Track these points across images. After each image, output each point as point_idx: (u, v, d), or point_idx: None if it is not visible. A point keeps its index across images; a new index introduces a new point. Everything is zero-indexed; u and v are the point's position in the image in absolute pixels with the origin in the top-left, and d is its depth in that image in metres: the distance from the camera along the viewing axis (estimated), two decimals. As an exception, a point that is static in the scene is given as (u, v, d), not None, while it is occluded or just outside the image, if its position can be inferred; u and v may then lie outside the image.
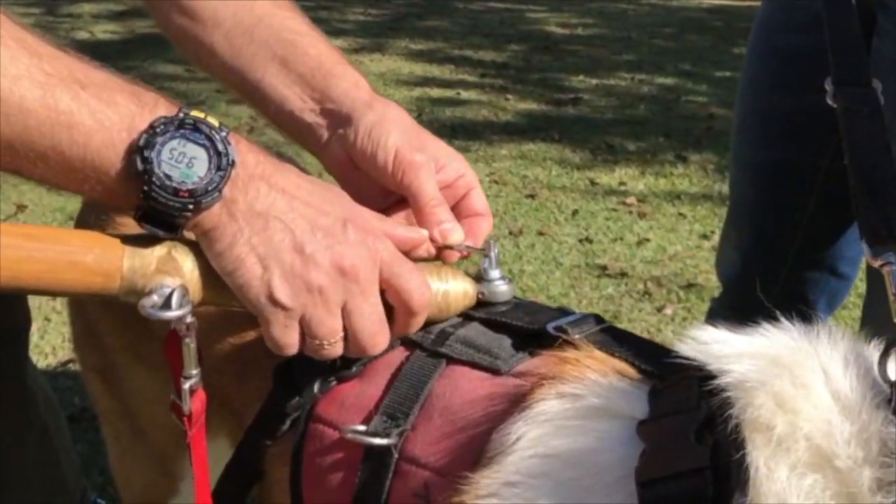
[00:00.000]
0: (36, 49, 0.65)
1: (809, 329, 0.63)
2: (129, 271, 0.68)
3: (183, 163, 0.66)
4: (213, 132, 0.67)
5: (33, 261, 0.65)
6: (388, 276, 0.74)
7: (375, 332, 0.74)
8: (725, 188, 1.75)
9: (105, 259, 0.67)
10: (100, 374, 1.13)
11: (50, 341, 2.43)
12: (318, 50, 0.89)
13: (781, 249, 1.36)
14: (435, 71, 5.63)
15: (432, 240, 0.81)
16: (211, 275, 0.71)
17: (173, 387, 0.75)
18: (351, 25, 6.82)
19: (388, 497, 0.72)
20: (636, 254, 3.08)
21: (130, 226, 0.73)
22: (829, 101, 0.85)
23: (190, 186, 0.66)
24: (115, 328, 1.06)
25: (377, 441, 0.72)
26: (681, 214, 3.43)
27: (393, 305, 0.75)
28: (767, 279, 1.34)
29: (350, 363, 0.80)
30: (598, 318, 0.78)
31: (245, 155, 0.70)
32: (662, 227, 3.31)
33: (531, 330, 0.77)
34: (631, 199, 3.57)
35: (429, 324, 0.80)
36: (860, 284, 2.18)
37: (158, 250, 0.69)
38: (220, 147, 0.67)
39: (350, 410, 0.77)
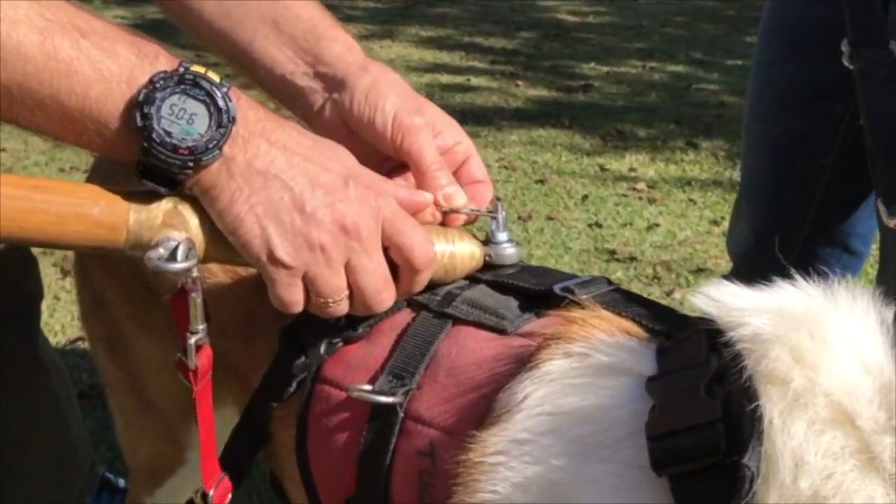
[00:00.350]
0: None
1: (828, 286, 0.61)
2: (136, 224, 0.67)
3: (183, 119, 0.65)
4: (214, 88, 0.66)
5: (40, 212, 0.65)
6: (391, 234, 0.73)
7: (381, 289, 0.74)
8: (736, 175, 1.74)
9: (111, 212, 0.67)
10: (106, 344, 1.13)
11: (59, 319, 2.44)
12: (310, 13, 0.86)
13: (794, 224, 1.35)
14: (445, 57, 5.62)
15: (436, 204, 0.81)
16: (216, 231, 0.70)
17: (180, 346, 0.75)
18: (361, 12, 6.80)
19: (393, 456, 0.72)
20: (646, 239, 3.07)
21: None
22: (846, 63, 0.84)
23: (190, 144, 0.65)
24: (120, 297, 1.06)
25: (383, 399, 0.72)
26: (691, 200, 3.41)
27: (397, 263, 0.75)
28: (779, 255, 1.33)
29: (356, 324, 0.79)
30: (607, 281, 0.78)
31: (246, 111, 0.69)
32: (672, 213, 3.30)
33: (538, 291, 0.77)
34: (641, 185, 3.55)
35: (435, 286, 0.80)
36: (871, 271, 2.18)
37: (165, 204, 0.69)
38: (221, 103, 0.66)
39: (356, 371, 0.77)
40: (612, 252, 2.95)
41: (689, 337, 0.65)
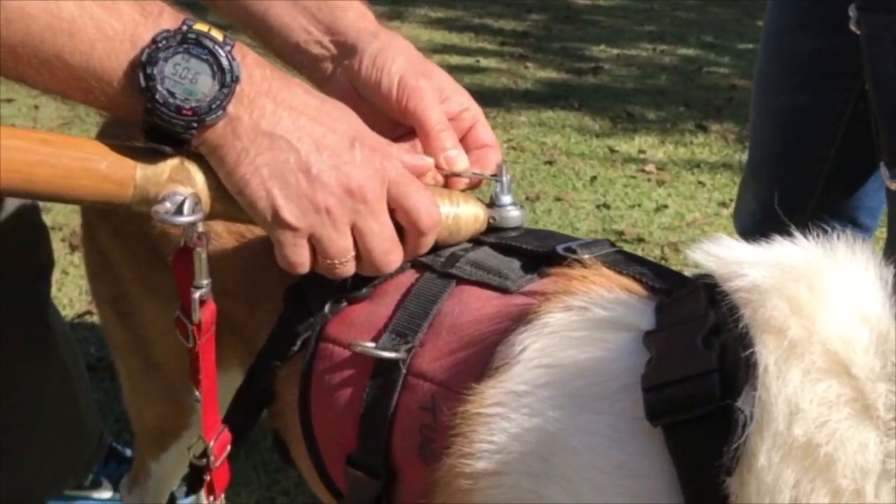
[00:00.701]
0: None
1: (827, 241, 0.61)
2: (142, 179, 0.68)
3: (186, 79, 0.65)
4: (217, 47, 0.66)
5: (47, 165, 0.65)
6: (396, 196, 0.74)
7: (388, 251, 0.74)
8: (746, 158, 1.74)
9: (118, 167, 0.68)
10: (112, 306, 1.14)
11: (67, 293, 2.46)
12: None
13: (801, 197, 1.35)
14: (454, 39, 5.60)
15: (438, 167, 0.81)
16: (222, 188, 0.71)
17: (179, 305, 0.75)
18: (371, -7, 6.77)
19: (395, 411, 0.73)
20: (654, 220, 3.06)
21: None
22: (853, 28, 0.83)
23: (193, 104, 0.65)
24: (127, 259, 1.06)
25: (385, 355, 0.73)
26: (700, 182, 3.40)
27: (402, 225, 0.75)
28: (787, 229, 1.33)
29: (361, 285, 0.80)
30: (610, 243, 0.78)
31: (251, 69, 0.69)
32: (681, 195, 3.29)
33: (541, 252, 0.77)
34: (650, 167, 3.54)
35: (439, 247, 0.80)
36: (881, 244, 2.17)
37: (171, 160, 0.69)
38: (225, 62, 0.66)
39: (360, 329, 0.78)
40: (620, 233, 2.94)
41: (688, 293, 0.65)
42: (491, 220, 0.82)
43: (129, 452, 1.69)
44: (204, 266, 0.72)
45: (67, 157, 0.66)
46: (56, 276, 2.49)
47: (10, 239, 1.29)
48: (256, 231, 0.90)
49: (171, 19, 0.67)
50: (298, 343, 0.81)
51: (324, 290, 0.81)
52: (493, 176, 0.83)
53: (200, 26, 0.67)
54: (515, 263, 0.78)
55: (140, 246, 1.02)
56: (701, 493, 0.56)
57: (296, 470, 0.93)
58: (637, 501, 0.58)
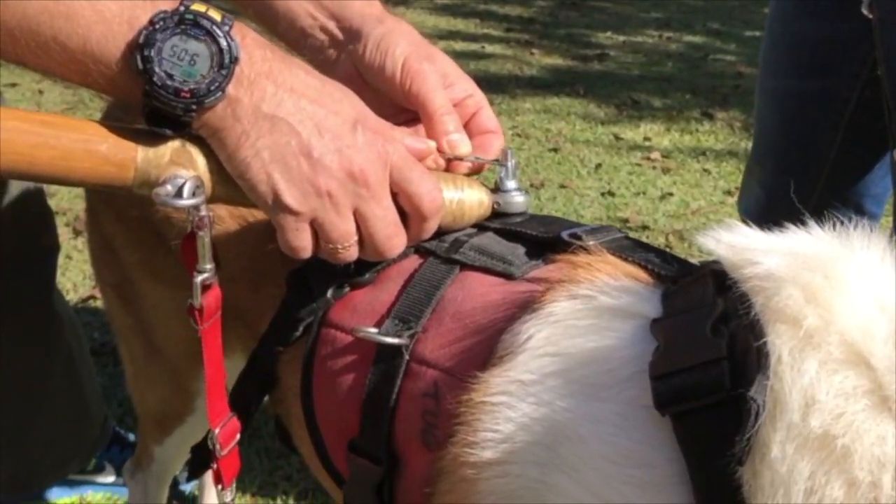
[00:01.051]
0: None
1: (842, 230, 0.60)
2: (143, 162, 0.67)
3: (184, 61, 0.65)
4: (215, 27, 0.65)
5: (48, 147, 0.65)
6: (399, 180, 0.73)
7: (391, 235, 0.73)
8: (751, 145, 1.74)
9: (119, 149, 0.67)
10: (116, 291, 1.13)
11: (71, 278, 2.45)
12: None
13: (807, 184, 1.34)
14: (460, 25, 5.58)
15: (440, 151, 0.80)
16: (224, 171, 0.70)
17: (190, 292, 0.75)
18: (376, -21, 6.74)
19: (397, 397, 0.72)
20: (659, 208, 3.05)
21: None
22: (864, 11, 0.82)
23: (192, 86, 0.65)
24: (130, 243, 1.06)
25: (388, 340, 0.72)
26: (705, 170, 3.39)
27: (405, 210, 0.75)
28: (791, 216, 1.32)
29: (364, 270, 0.79)
30: (616, 229, 0.77)
31: (251, 50, 0.68)
32: (686, 183, 3.28)
33: (546, 238, 0.76)
34: (655, 155, 3.53)
35: (443, 233, 0.80)
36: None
37: (173, 142, 0.68)
38: (223, 43, 0.65)
39: (362, 315, 0.77)
40: (625, 221, 2.94)
41: (695, 280, 0.64)
42: (495, 206, 0.81)
43: (132, 437, 1.70)
44: (207, 250, 0.71)
45: (68, 138, 0.65)
46: (59, 260, 2.48)
47: (16, 222, 1.29)
48: (259, 215, 0.89)
49: (168, 0, 0.66)
50: (301, 328, 0.80)
51: (327, 275, 0.80)
52: (495, 160, 0.82)
53: (198, 6, 0.66)
54: (520, 249, 0.77)
55: (143, 230, 1.02)
56: (710, 481, 0.55)
57: (298, 456, 0.92)
58: (645, 490, 0.58)
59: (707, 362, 0.56)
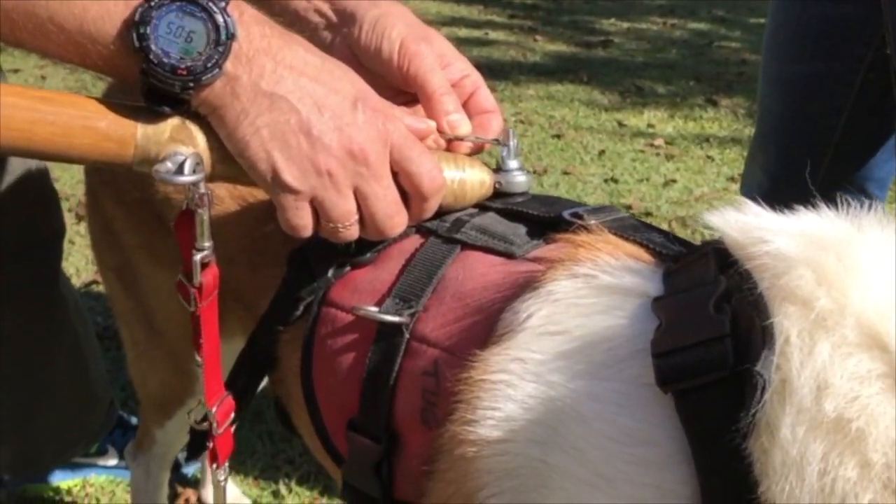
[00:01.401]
0: None
1: (852, 212, 0.59)
2: (143, 139, 0.67)
3: (181, 38, 0.64)
4: (212, 4, 0.65)
5: (47, 123, 0.64)
6: (399, 159, 0.72)
7: (391, 214, 0.73)
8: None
9: (119, 126, 0.67)
10: (116, 274, 1.13)
11: (74, 263, 2.46)
12: None
13: (810, 169, 1.33)
14: (463, 11, 5.56)
15: (440, 131, 0.80)
16: (224, 149, 0.69)
17: (182, 269, 0.75)
18: (380, -35, 6.72)
19: (397, 376, 0.72)
20: (662, 194, 3.05)
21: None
22: None
23: (188, 63, 0.64)
24: (130, 226, 1.06)
25: (388, 318, 0.72)
26: (709, 157, 3.38)
27: (405, 190, 0.74)
28: (794, 200, 1.32)
29: (364, 249, 0.79)
30: (618, 209, 0.77)
31: (250, 27, 0.67)
32: (690, 169, 3.27)
33: (547, 218, 0.76)
34: (659, 142, 3.52)
35: (445, 212, 0.79)
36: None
37: (172, 120, 0.68)
38: (220, 19, 0.65)
39: (363, 294, 0.77)
40: (628, 207, 2.93)
41: (697, 259, 0.64)
42: (497, 186, 0.81)
43: (134, 420, 1.70)
44: (206, 228, 0.71)
45: (67, 114, 0.65)
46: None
47: (21, 205, 1.28)
48: (259, 195, 0.89)
49: None
50: (301, 308, 0.80)
51: (327, 254, 0.80)
52: (495, 140, 0.82)
53: None
54: (521, 229, 0.77)
55: (143, 213, 1.01)
56: (714, 458, 0.55)
57: (300, 439, 0.92)
58: (648, 468, 0.57)
59: (710, 339, 0.56)
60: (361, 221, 0.74)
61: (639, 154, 3.40)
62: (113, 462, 1.69)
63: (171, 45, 0.64)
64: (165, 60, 0.64)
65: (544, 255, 0.72)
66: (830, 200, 1.35)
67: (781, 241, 0.58)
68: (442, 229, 0.78)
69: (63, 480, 1.67)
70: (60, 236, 1.43)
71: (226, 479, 0.81)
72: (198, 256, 0.70)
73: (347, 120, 0.70)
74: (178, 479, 1.68)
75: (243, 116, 0.67)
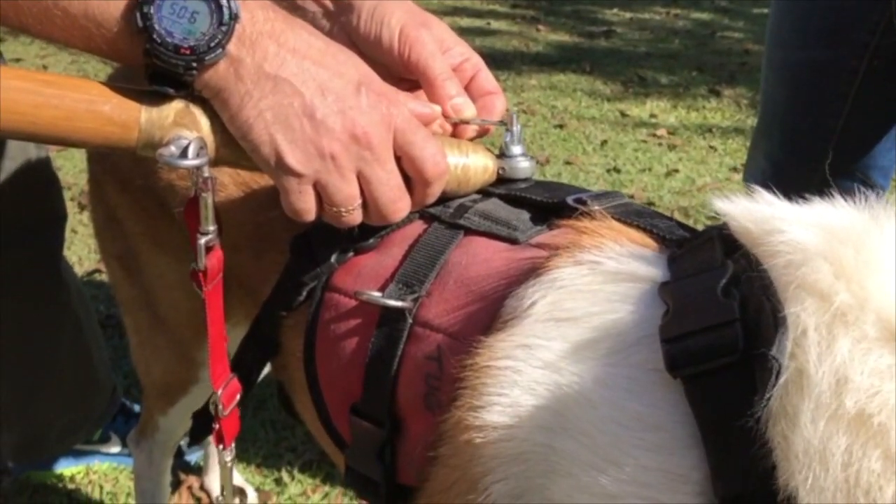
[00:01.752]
0: None
1: (868, 204, 0.59)
2: (147, 123, 0.67)
3: (185, 18, 0.64)
4: None
5: (51, 107, 0.64)
6: (402, 143, 0.72)
7: (394, 199, 0.73)
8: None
9: (123, 109, 0.66)
10: (120, 262, 1.13)
11: (76, 252, 2.46)
12: None
13: (813, 156, 1.33)
14: (465, 1, 5.55)
15: (445, 116, 0.79)
16: (228, 133, 0.69)
17: (193, 257, 0.75)
18: (382, -46, 6.70)
19: (400, 361, 0.72)
20: (664, 184, 3.05)
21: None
22: None
23: (192, 43, 0.64)
24: (134, 213, 1.06)
25: (391, 303, 0.72)
26: (711, 147, 3.38)
27: (409, 174, 0.74)
28: (797, 188, 1.31)
29: (368, 235, 0.79)
30: (621, 195, 0.77)
31: (253, 10, 0.67)
32: (692, 160, 3.27)
33: (551, 204, 0.76)
34: (661, 132, 3.52)
35: (448, 198, 0.79)
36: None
37: (176, 104, 0.68)
38: (223, 0, 0.65)
39: (366, 279, 0.77)
40: (630, 197, 2.91)
41: (701, 243, 0.64)
42: (500, 171, 0.81)
43: (137, 408, 1.70)
44: (210, 212, 0.71)
45: (71, 98, 0.65)
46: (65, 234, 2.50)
47: (23, 190, 1.29)
48: (262, 181, 0.89)
49: None
50: (304, 293, 0.80)
51: (330, 240, 0.80)
52: (501, 122, 0.82)
53: None
54: (525, 215, 0.77)
55: (147, 200, 1.01)
56: (724, 443, 0.55)
57: (303, 427, 0.92)
58: (658, 453, 0.57)
59: (719, 324, 0.56)
60: (364, 206, 0.73)
61: (641, 144, 3.40)
62: (116, 449, 1.70)
63: (174, 26, 0.64)
64: (169, 40, 0.64)
65: (548, 241, 0.72)
66: (833, 188, 1.34)
67: (797, 230, 0.57)
68: (445, 215, 0.78)
69: (66, 468, 1.68)
70: (62, 221, 1.43)
71: (232, 461, 0.81)
72: (202, 240, 0.70)
73: (351, 103, 0.70)
74: (181, 465, 1.68)
75: (247, 99, 0.67)
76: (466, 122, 0.80)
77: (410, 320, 0.72)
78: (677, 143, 3.41)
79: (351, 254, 0.80)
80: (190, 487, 1.66)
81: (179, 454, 1.65)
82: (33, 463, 1.64)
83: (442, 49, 0.82)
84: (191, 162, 0.66)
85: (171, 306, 1.08)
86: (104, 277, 2.26)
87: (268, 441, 1.76)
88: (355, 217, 0.73)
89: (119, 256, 1.13)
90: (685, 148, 3.37)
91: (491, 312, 0.69)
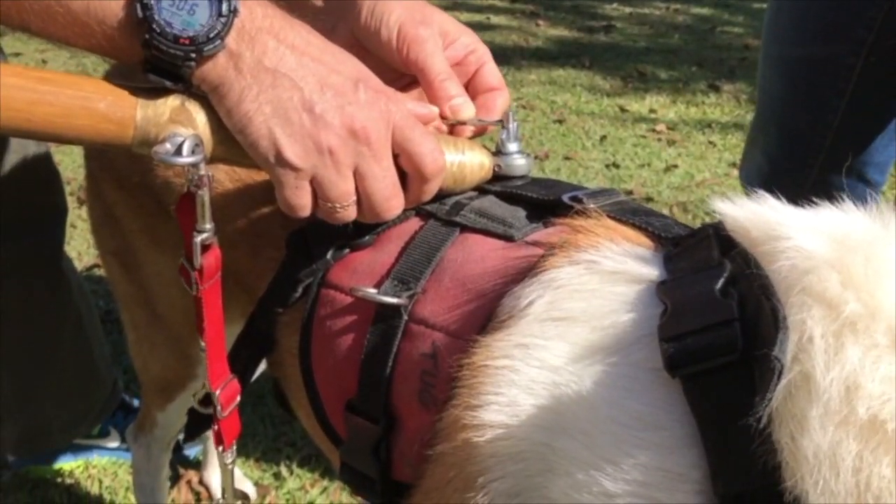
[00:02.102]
0: None
1: (874, 210, 0.58)
2: (143, 120, 0.67)
3: (184, 10, 0.65)
4: None
5: (46, 104, 0.64)
6: (401, 140, 0.72)
7: (389, 196, 0.73)
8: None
9: (119, 107, 0.67)
10: (117, 259, 1.13)
11: (75, 247, 2.46)
12: None
13: (810, 152, 1.32)
14: (465, -5, 5.55)
15: (443, 116, 0.79)
16: (224, 130, 0.69)
17: (184, 253, 0.75)
18: (382, -51, 6.69)
19: (395, 358, 0.72)
20: (663, 180, 3.05)
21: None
22: None
23: (191, 34, 0.65)
24: (131, 210, 1.06)
25: (386, 300, 0.72)
26: (710, 143, 3.38)
27: (406, 171, 0.74)
28: (794, 184, 1.31)
29: (364, 232, 0.79)
30: (618, 192, 0.77)
31: (252, 8, 0.67)
32: (691, 155, 3.27)
33: (547, 201, 0.76)
34: (660, 127, 3.52)
35: (444, 196, 0.79)
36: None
37: (172, 101, 0.68)
38: None
39: (362, 276, 0.77)
40: (629, 192, 2.93)
41: (698, 242, 0.64)
42: (497, 168, 0.81)
43: (136, 403, 1.71)
44: (207, 210, 0.71)
45: (66, 95, 0.65)
46: (63, 229, 2.50)
47: (24, 184, 1.29)
48: (258, 178, 0.89)
49: None
50: (300, 289, 0.80)
51: (326, 236, 0.80)
52: (498, 122, 0.82)
53: None
54: (521, 212, 0.77)
55: (144, 197, 1.01)
56: (724, 442, 0.55)
57: (297, 420, 0.93)
58: (657, 452, 0.57)
59: (718, 323, 0.56)
60: (358, 203, 0.74)
61: (640, 139, 3.40)
62: (115, 444, 1.70)
63: (174, 17, 0.64)
64: (168, 30, 0.64)
65: (544, 239, 0.72)
66: (830, 185, 1.34)
67: (803, 237, 0.57)
68: (441, 212, 0.78)
69: (66, 462, 1.68)
70: (63, 215, 1.43)
71: (233, 463, 0.81)
72: (198, 238, 0.71)
73: (350, 99, 0.70)
74: (180, 460, 1.69)
75: (246, 92, 0.67)
76: (464, 124, 0.80)
77: (406, 317, 0.72)
78: (676, 138, 3.41)
79: (347, 250, 0.80)
80: (189, 482, 1.67)
81: (178, 449, 1.66)
82: (33, 457, 1.64)
83: (446, 42, 0.82)
84: (185, 159, 0.66)
85: (169, 303, 1.08)
86: (103, 273, 2.26)
87: (266, 436, 1.76)
88: (349, 213, 0.74)
89: (116, 253, 1.13)
90: (684, 143, 3.37)
91: (487, 311, 0.69)
